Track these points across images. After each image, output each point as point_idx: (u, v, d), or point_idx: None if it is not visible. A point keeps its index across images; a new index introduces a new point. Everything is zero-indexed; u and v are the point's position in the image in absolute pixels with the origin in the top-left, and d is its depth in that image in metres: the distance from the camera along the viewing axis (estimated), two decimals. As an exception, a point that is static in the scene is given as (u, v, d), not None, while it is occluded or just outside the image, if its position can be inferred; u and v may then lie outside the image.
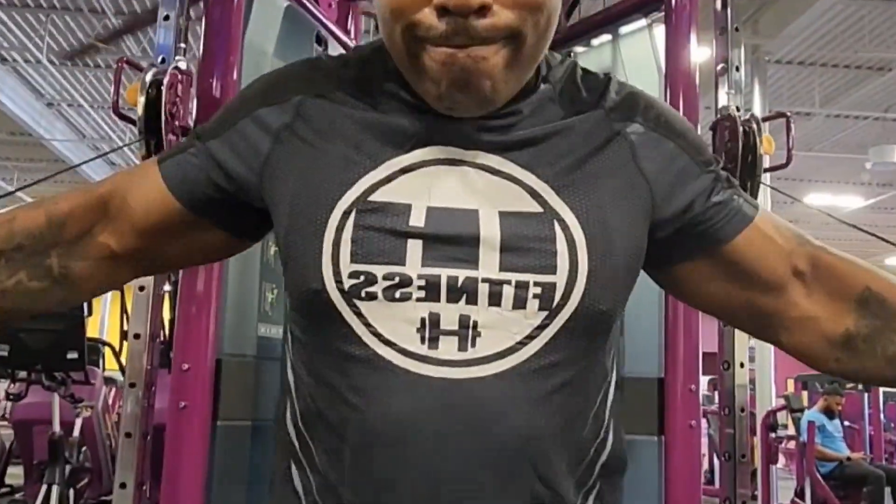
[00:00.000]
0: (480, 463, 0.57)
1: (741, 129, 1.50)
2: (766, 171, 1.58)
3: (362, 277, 0.57)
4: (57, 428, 4.05)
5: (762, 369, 8.35)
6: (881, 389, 8.17)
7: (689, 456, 1.51)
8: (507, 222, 0.58)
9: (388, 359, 0.56)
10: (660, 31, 1.67)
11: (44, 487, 3.86)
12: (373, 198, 0.59)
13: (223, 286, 1.45)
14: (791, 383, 9.97)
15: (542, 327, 0.57)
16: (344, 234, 0.58)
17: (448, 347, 0.56)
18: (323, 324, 0.60)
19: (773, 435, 6.83)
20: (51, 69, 9.16)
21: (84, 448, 4.42)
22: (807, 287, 0.66)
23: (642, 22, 1.76)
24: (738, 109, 1.57)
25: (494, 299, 0.56)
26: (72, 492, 4.00)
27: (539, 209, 0.59)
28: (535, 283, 0.57)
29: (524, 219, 0.59)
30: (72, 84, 9.78)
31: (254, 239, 0.76)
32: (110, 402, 5.36)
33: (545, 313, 0.57)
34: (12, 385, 4.44)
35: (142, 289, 1.44)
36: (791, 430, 7.17)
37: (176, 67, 1.38)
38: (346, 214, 0.58)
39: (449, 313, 0.56)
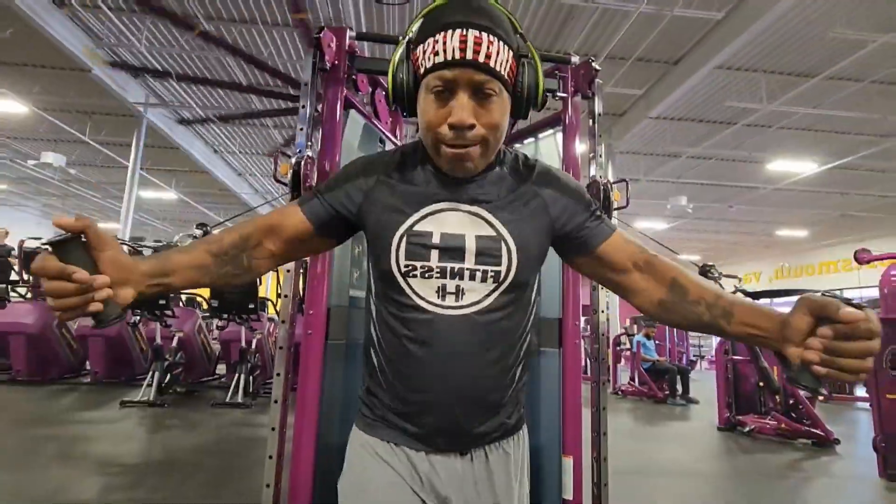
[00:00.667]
0: (467, 346, 0.92)
1: (602, 187, 1.94)
2: (615, 209, 1.97)
3: (410, 266, 0.93)
4: (243, 344, 6.20)
5: (613, 313, 12.33)
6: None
7: (575, 359, 1.90)
8: (479, 240, 0.93)
9: (422, 306, 0.92)
10: (559, 137, 2.08)
11: (236, 376, 6.13)
12: (415, 229, 0.94)
13: (331, 269, 1.84)
14: (628, 321, 13.20)
15: (495, 290, 0.93)
16: (402, 245, 0.93)
17: (451, 300, 0.92)
18: (389, 289, 0.96)
19: (618, 348, 10.01)
20: (240, 156, 13.08)
21: (258, 355, 6.35)
22: (641, 274, 0.97)
23: (550, 131, 2.19)
24: (600, 178, 1.99)
25: (472, 277, 0.92)
26: (251, 378, 6.14)
27: (494, 233, 0.93)
28: (491, 270, 0.93)
29: (487, 239, 0.93)
30: (250, 161, 13.95)
31: (341, 243, 1.09)
32: (271, 330, 6.91)
33: (496, 283, 0.93)
34: (220, 321, 6.59)
35: (287, 270, 1.81)
36: (627, 345, 9.89)
37: (307, 155, 1.76)
38: (401, 237, 0.93)
39: (451, 284, 0.92)
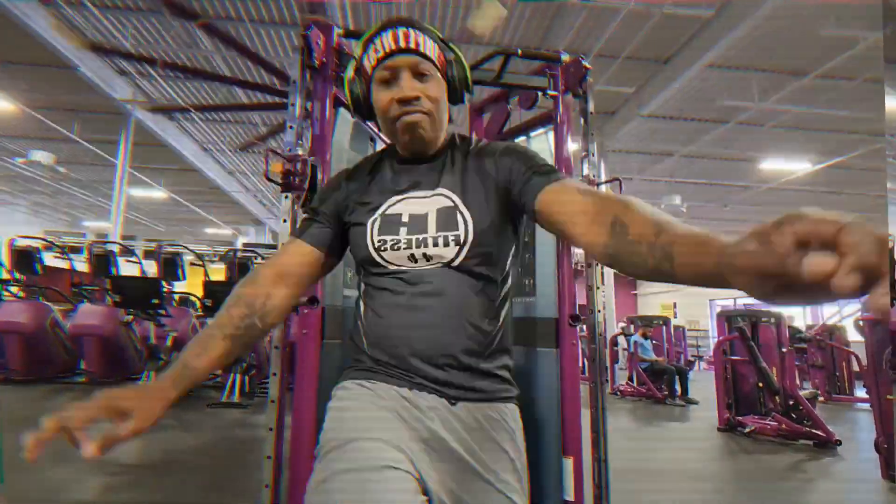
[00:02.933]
0: (446, 284, 1.03)
1: (595, 186, 1.95)
2: None
3: (381, 241, 1.05)
4: (240, 343, 6.28)
5: (609, 313, 12.02)
6: (672, 325, 11.39)
7: (572, 359, 1.88)
8: (438, 213, 1.05)
9: (396, 269, 1.05)
10: (551, 135, 2.07)
11: (231, 376, 6.02)
12: (387, 213, 1.08)
13: (326, 267, 1.96)
14: (625, 320, 12.80)
15: (460, 251, 1.03)
16: (375, 226, 1.06)
17: (422, 263, 1.04)
18: (368, 269, 1.09)
19: (615, 348, 10.25)
20: (230, 155, 13.51)
21: (252, 354, 6.24)
22: (588, 221, 0.86)
23: (542, 130, 2.19)
24: (593, 176, 2.01)
25: (435, 244, 1.03)
26: (247, 378, 6.07)
27: (451, 204, 1.06)
28: (451, 235, 1.03)
29: (446, 211, 1.05)
30: (240, 159, 14.13)
31: (340, 259, 1.20)
32: None
33: (458, 246, 1.03)
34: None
35: None
36: (625, 345, 10.08)
37: (296, 154, 1.78)
38: (374, 220, 1.07)
39: (418, 252, 1.03)
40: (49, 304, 7.24)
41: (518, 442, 1.11)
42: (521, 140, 2.31)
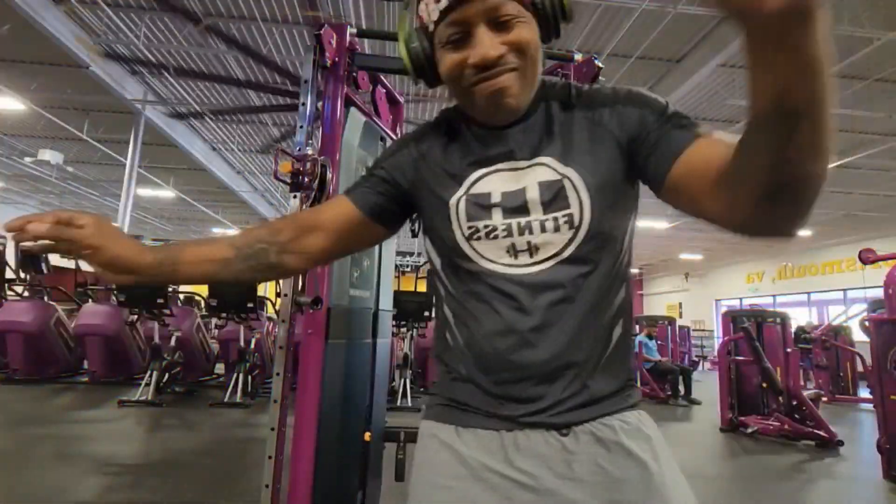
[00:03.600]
0: (551, 304, 0.80)
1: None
2: None
3: (473, 228, 0.84)
4: (242, 343, 6.24)
5: None
6: (677, 324, 11.12)
7: None
8: (542, 188, 0.81)
9: (494, 269, 0.83)
10: None
11: (234, 375, 6.10)
12: (471, 192, 0.85)
13: (331, 269, 1.85)
14: None
15: (573, 237, 0.80)
16: (460, 209, 0.84)
17: (524, 258, 0.82)
18: (455, 259, 0.87)
19: None
20: (239, 154, 13.39)
21: (256, 354, 6.38)
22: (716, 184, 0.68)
23: None
24: None
25: (543, 229, 0.80)
26: (250, 378, 6.13)
27: (557, 176, 0.81)
28: (562, 215, 0.80)
29: (550, 184, 0.81)
30: (249, 158, 14.07)
31: (392, 233, 0.97)
32: (270, 329, 7.32)
33: (572, 229, 0.80)
34: (218, 320, 6.77)
35: None
36: None
37: (306, 154, 1.76)
38: (458, 200, 0.85)
39: (520, 241, 0.82)
40: (53, 303, 7.26)
41: (663, 455, 0.84)
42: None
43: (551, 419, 0.81)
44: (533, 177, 0.83)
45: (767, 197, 0.61)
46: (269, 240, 0.91)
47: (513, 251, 0.82)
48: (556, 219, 0.80)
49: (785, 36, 0.51)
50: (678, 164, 0.75)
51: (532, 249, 0.81)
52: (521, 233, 0.82)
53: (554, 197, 0.81)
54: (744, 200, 0.64)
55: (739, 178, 0.64)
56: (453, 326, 0.88)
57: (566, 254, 0.81)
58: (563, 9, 0.81)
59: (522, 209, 0.82)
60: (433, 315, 7.15)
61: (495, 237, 0.83)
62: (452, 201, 0.85)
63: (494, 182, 0.84)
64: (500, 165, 0.85)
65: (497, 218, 0.83)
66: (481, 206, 0.84)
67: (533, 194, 0.82)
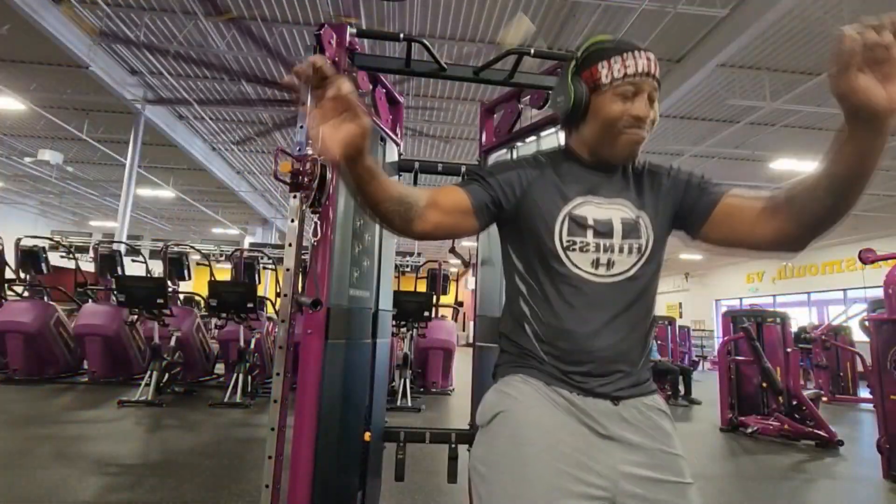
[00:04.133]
0: (617, 306, 1.08)
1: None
2: None
3: (570, 242, 1.10)
4: (242, 343, 6.21)
5: None
6: (677, 324, 11.14)
7: None
8: (623, 222, 1.12)
9: (580, 275, 1.09)
10: (561, 135, 2.16)
11: (234, 375, 6.09)
12: (573, 213, 1.12)
13: (331, 269, 1.86)
14: None
15: (639, 261, 1.11)
16: (564, 225, 1.11)
17: (602, 270, 1.10)
18: (550, 263, 1.10)
19: None
20: (234, 150, 13.53)
21: (256, 354, 6.35)
22: (766, 214, 1.08)
23: (552, 130, 2.22)
24: None
25: (620, 251, 1.10)
26: (250, 378, 6.12)
27: (634, 216, 1.13)
28: (635, 244, 1.11)
29: (629, 220, 1.12)
30: (249, 158, 14.28)
31: (481, 230, 1.17)
32: (270, 330, 7.25)
33: (639, 255, 1.11)
34: (218, 320, 6.73)
35: (287, 269, 1.83)
36: None
37: (306, 154, 1.80)
38: (564, 217, 1.11)
39: (603, 257, 1.10)
40: (53, 303, 7.26)
41: (669, 421, 1.15)
42: (531, 139, 2.33)
43: (609, 391, 1.06)
44: (616, 212, 1.13)
45: (814, 226, 1.01)
46: (415, 201, 1.05)
47: (596, 263, 1.10)
48: (630, 245, 1.11)
49: (885, 127, 0.80)
50: (722, 203, 1.12)
51: (609, 264, 1.10)
52: (605, 251, 1.10)
53: (631, 230, 1.12)
54: (794, 228, 1.03)
55: (798, 212, 1.01)
56: (530, 319, 1.12)
57: (632, 272, 1.10)
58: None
59: (608, 234, 1.11)
60: (433, 315, 7.23)
61: (586, 251, 1.10)
62: (559, 218, 1.11)
63: (589, 209, 1.12)
64: (591, 197, 1.13)
65: (590, 237, 1.10)
66: (580, 225, 1.11)
67: (617, 225, 1.11)
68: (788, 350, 5.82)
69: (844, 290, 17.75)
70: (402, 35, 2.01)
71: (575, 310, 1.08)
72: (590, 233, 1.10)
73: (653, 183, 1.18)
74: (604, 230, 1.11)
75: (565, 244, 1.10)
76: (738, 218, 1.10)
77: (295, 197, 1.83)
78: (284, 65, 8.44)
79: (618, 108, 1.09)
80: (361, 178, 0.95)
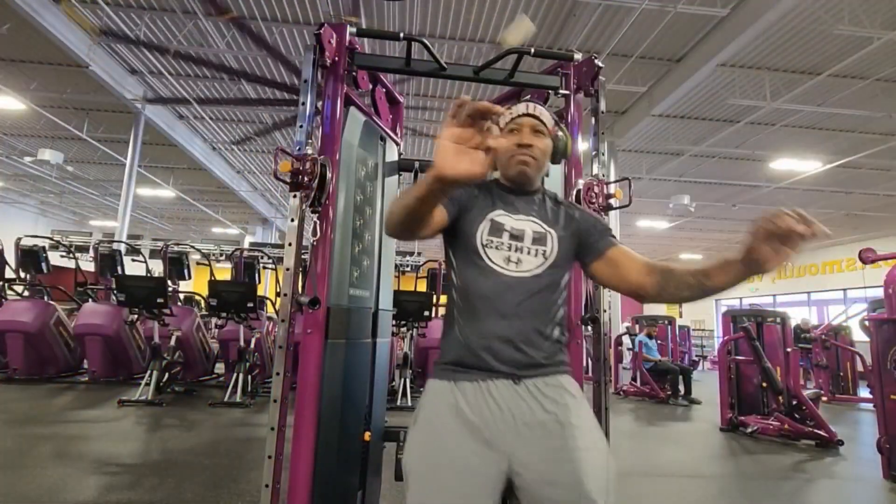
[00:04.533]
0: (521, 295, 1.31)
1: (605, 186, 2.01)
2: (617, 208, 2.05)
3: (489, 241, 1.35)
4: (242, 343, 6.22)
5: (614, 314, 12.30)
6: (677, 324, 11.32)
7: (578, 358, 1.89)
8: (534, 232, 1.38)
9: (494, 268, 1.33)
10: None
11: (234, 375, 6.10)
12: (495, 219, 1.38)
13: (331, 268, 1.86)
14: (630, 320, 12.63)
15: (542, 264, 1.35)
16: (486, 226, 1.36)
17: (512, 267, 1.34)
18: (472, 257, 1.35)
19: (619, 347, 10.51)
20: (234, 150, 13.75)
21: (256, 354, 6.32)
22: (641, 270, 1.35)
23: None
24: (602, 175, 2.06)
25: (528, 253, 1.35)
26: (250, 377, 6.13)
27: (543, 230, 1.39)
28: (541, 249, 1.37)
29: (539, 232, 1.38)
30: (249, 158, 14.39)
31: (448, 224, 1.35)
32: (270, 329, 7.29)
33: (544, 259, 1.36)
34: (218, 320, 6.66)
35: (287, 269, 1.82)
36: (629, 345, 9.92)
37: (305, 154, 1.80)
38: (487, 220, 1.37)
39: (514, 256, 1.35)
40: (53, 303, 7.26)
41: (584, 402, 1.37)
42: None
43: (511, 371, 1.28)
44: (529, 224, 1.40)
45: (665, 297, 1.32)
46: (432, 218, 1.25)
47: (507, 261, 1.34)
48: (537, 250, 1.36)
49: (754, 274, 1.15)
50: (613, 250, 1.41)
51: (518, 262, 1.34)
52: (517, 251, 1.35)
53: (540, 239, 1.38)
54: (654, 291, 1.32)
55: (664, 283, 1.31)
56: (457, 301, 1.37)
57: (537, 271, 1.34)
58: (565, 152, 1.53)
59: (521, 238, 1.37)
60: (433, 315, 7.23)
61: (501, 248, 1.35)
62: (484, 221, 1.37)
63: (506, 219, 1.39)
64: (510, 213, 1.40)
65: (505, 238, 1.36)
66: (498, 228, 1.37)
67: (529, 233, 1.38)
68: (788, 350, 5.82)
69: (844, 289, 17.76)
70: (402, 34, 2.01)
71: (488, 298, 1.30)
72: (505, 235, 1.36)
73: (567, 215, 1.45)
74: (517, 234, 1.36)
75: (485, 242, 1.35)
76: (621, 266, 1.37)
77: (295, 196, 1.83)
78: (285, 64, 8.42)
79: (507, 141, 1.41)
80: (430, 204, 1.08)
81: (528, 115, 1.43)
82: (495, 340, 1.28)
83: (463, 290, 1.36)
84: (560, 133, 1.50)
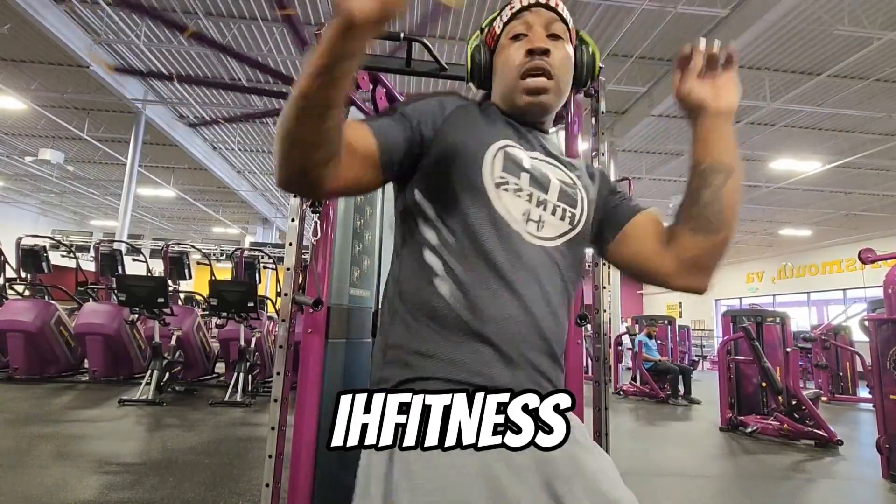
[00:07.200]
0: (540, 273, 0.86)
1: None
2: None
3: (504, 179, 0.88)
4: (242, 343, 6.19)
5: (615, 313, 12.12)
6: (677, 324, 11.31)
7: (578, 357, 1.90)
8: (561, 182, 0.94)
9: (509, 222, 0.86)
10: (562, 134, 2.08)
11: (235, 374, 6.09)
12: (507, 150, 0.91)
13: (331, 268, 1.86)
14: (630, 320, 12.84)
15: (567, 232, 0.92)
16: (497, 158, 0.89)
17: (532, 228, 0.88)
18: (472, 204, 0.86)
19: (619, 347, 10.34)
20: (238, 152, 13.60)
21: (257, 353, 6.34)
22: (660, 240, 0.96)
23: (553, 129, 2.23)
24: None
25: (553, 212, 0.91)
26: (250, 377, 6.17)
27: (571, 181, 0.96)
28: (569, 211, 0.93)
29: (567, 183, 0.95)
30: (249, 158, 14.40)
31: (386, 182, 0.90)
32: (270, 329, 7.23)
33: (570, 226, 0.93)
34: (219, 319, 6.60)
35: (288, 269, 1.84)
36: (629, 345, 9.90)
37: None
38: (498, 150, 0.90)
39: (535, 212, 0.89)
40: (54, 302, 7.26)
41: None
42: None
43: (510, 383, 0.84)
44: (554, 171, 0.96)
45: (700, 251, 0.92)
46: (339, 146, 0.79)
47: (527, 216, 0.88)
48: (564, 210, 0.92)
49: (716, 121, 0.93)
50: (640, 216, 1.01)
51: (540, 223, 0.89)
52: (538, 205, 0.90)
53: (567, 197, 0.94)
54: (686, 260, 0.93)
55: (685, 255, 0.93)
56: (443, 273, 0.86)
57: (558, 243, 0.91)
58: (593, 70, 1.06)
59: (544, 186, 0.92)
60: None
61: (519, 196, 0.89)
62: (491, 150, 0.90)
63: (522, 154, 0.93)
64: (524, 146, 0.95)
65: (525, 181, 0.90)
66: (516, 164, 0.91)
67: (555, 181, 0.94)
68: (788, 350, 5.82)
69: (844, 290, 17.74)
70: (402, 34, 2.01)
71: (498, 272, 0.84)
72: (525, 177, 0.90)
73: (589, 172, 1.05)
74: (541, 180, 0.92)
75: (498, 180, 0.88)
76: (648, 234, 0.98)
77: (295, 196, 1.83)
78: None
79: (512, 51, 0.95)
80: (337, 86, 0.69)
81: (539, 4, 0.97)
82: (505, 333, 0.85)
83: (457, 254, 0.86)
84: (581, 45, 1.05)
